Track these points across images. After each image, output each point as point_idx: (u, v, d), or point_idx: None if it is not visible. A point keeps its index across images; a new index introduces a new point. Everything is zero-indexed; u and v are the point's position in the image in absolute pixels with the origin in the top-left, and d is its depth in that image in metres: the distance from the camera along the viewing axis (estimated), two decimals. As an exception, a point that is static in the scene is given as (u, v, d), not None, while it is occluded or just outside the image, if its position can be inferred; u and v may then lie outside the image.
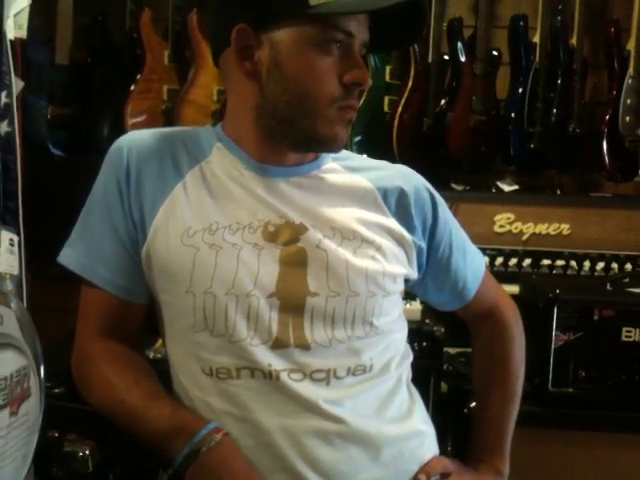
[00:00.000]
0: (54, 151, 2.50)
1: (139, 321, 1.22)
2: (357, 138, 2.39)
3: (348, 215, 1.19)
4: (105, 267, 1.17)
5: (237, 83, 1.16)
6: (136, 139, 1.20)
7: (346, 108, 1.13)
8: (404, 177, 1.26)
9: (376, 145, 2.38)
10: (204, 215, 1.15)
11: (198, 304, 1.12)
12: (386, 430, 1.17)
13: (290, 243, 1.15)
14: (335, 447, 1.12)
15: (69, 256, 1.19)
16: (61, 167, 2.57)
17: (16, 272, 0.97)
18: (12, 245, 0.95)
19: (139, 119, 2.47)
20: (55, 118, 2.45)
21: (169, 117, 2.46)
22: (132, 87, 2.46)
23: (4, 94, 1.81)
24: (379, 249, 1.18)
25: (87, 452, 1.18)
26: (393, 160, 1.33)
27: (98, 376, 1.17)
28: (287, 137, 1.15)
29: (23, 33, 1.91)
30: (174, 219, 1.15)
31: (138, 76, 2.47)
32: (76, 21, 2.49)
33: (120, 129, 2.45)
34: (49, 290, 1.96)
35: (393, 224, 1.22)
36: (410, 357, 1.29)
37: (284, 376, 1.11)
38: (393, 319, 1.23)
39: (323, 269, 1.14)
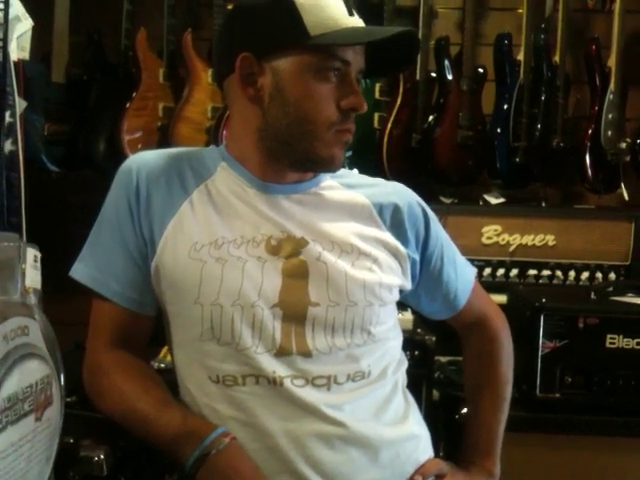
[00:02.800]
0: (51, 167, 2.53)
1: (147, 332, 1.28)
2: (348, 153, 2.44)
3: (346, 229, 1.25)
4: (116, 281, 1.22)
5: (241, 107, 1.22)
6: (144, 160, 1.26)
7: (343, 131, 1.20)
8: (398, 193, 1.33)
9: (367, 160, 2.43)
10: (210, 230, 1.20)
11: (205, 315, 1.17)
12: (384, 433, 1.22)
13: (292, 256, 1.20)
14: (336, 449, 1.17)
15: (81, 271, 1.24)
16: (58, 183, 2.61)
17: (39, 286, 1.03)
18: (35, 261, 1.01)
19: (135, 136, 2.51)
20: (52, 135, 2.49)
21: (164, 134, 2.51)
22: (128, 104, 2.49)
23: (8, 114, 1.87)
24: (375, 261, 1.24)
25: (102, 456, 1.23)
26: (383, 174, 1.39)
27: (110, 385, 1.22)
28: (288, 158, 1.21)
29: (26, 55, 1.96)
30: (182, 234, 1.20)
31: (134, 94, 2.51)
32: (72, 39, 2.53)
33: (116, 145, 2.49)
34: (48, 303, 2.00)
35: (388, 237, 1.28)
36: (405, 364, 1.35)
37: (287, 382, 1.16)
38: (389, 328, 1.28)
39: (323, 280, 1.20)
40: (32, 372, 0.98)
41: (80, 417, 1.26)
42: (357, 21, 1.18)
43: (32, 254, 0.99)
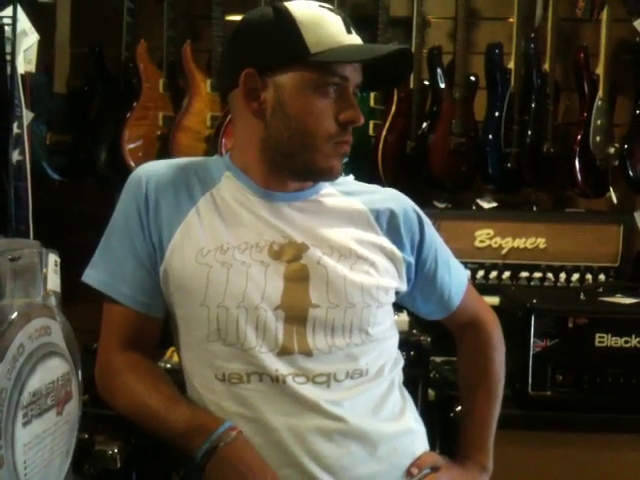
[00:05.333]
0: (53, 176, 2.59)
1: (156, 334, 1.34)
2: (344, 160, 2.50)
3: (344, 234, 1.31)
4: (126, 285, 1.28)
5: (244, 120, 1.28)
6: (153, 170, 1.31)
7: (341, 143, 1.27)
8: (394, 200, 1.39)
9: (363, 167, 2.47)
10: (216, 236, 1.26)
11: (212, 316, 1.23)
12: (381, 428, 1.28)
13: (293, 260, 1.26)
14: (336, 443, 1.23)
15: (93, 276, 1.30)
16: (60, 191, 2.66)
17: (59, 290, 1.09)
18: (56, 266, 1.07)
19: (136, 144, 2.57)
20: (54, 144, 2.55)
21: (164, 143, 2.57)
22: (128, 114, 2.56)
23: (15, 125, 1.94)
24: (373, 265, 1.31)
25: (116, 450, 1.30)
26: (379, 180, 1.44)
27: (122, 384, 1.28)
28: (289, 168, 1.28)
29: (32, 67, 2.03)
30: (189, 240, 1.26)
31: (134, 104, 2.57)
32: (73, 51, 2.60)
33: (117, 154, 2.55)
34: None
35: (385, 242, 1.34)
36: (401, 362, 1.41)
37: (289, 380, 1.22)
38: (386, 328, 1.34)
39: (323, 283, 1.26)
40: (54, 369, 1.05)
41: (93, 415, 1.32)
42: (355, 39, 1.24)
43: (53, 259, 1.06)
